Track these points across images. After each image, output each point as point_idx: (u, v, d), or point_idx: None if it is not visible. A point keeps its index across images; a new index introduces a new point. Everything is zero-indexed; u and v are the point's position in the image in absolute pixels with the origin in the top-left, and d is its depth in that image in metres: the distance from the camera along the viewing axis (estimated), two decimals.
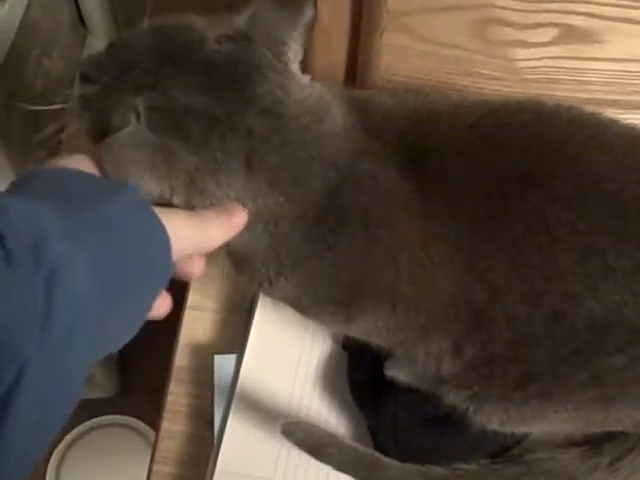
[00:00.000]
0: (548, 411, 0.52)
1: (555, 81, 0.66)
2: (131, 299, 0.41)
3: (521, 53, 0.64)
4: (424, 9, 0.61)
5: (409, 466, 0.57)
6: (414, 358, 0.55)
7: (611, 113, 0.55)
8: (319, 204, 0.51)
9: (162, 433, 0.67)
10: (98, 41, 1.29)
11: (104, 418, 1.35)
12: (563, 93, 0.67)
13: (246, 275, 0.56)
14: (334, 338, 0.68)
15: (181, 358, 0.70)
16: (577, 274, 0.48)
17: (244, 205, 0.50)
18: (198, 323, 0.71)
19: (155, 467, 0.66)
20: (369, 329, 0.55)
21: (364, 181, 0.51)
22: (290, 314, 0.60)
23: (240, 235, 0.51)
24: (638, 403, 0.50)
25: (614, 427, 0.55)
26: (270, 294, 0.59)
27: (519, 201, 0.49)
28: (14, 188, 0.42)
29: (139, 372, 1.37)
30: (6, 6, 0.91)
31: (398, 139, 0.52)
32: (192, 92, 0.49)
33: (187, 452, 0.66)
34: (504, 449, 0.60)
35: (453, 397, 0.54)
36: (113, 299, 0.39)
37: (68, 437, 1.32)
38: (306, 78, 0.53)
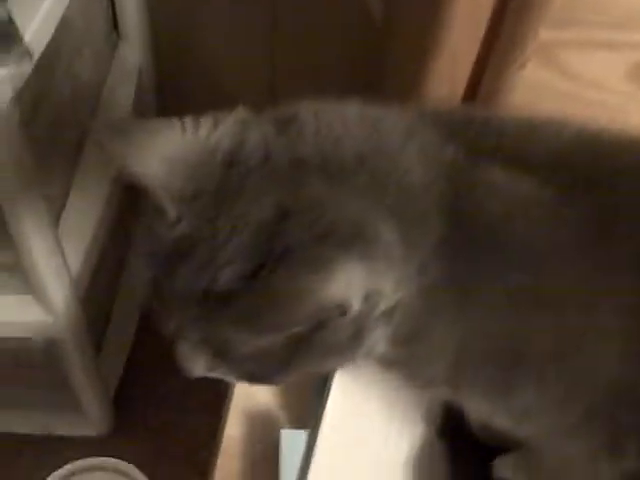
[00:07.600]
0: None
1: None
2: None
3: None
4: (581, 42, 0.51)
5: None
6: (550, 455, 0.43)
7: None
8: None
9: None
10: (130, 49, 1.22)
11: (94, 460, 1.21)
12: None
13: None
14: (428, 421, 0.56)
15: (233, 426, 0.59)
16: None
17: None
18: (253, 388, 0.60)
19: None
20: (528, 407, 0.41)
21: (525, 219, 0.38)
22: (374, 393, 0.52)
23: None
24: None
25: None
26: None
27: None
28: None
29: (133, 410, 1.26)
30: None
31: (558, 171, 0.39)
32: None
33: None
34: None
35: None
36: None
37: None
38: None
